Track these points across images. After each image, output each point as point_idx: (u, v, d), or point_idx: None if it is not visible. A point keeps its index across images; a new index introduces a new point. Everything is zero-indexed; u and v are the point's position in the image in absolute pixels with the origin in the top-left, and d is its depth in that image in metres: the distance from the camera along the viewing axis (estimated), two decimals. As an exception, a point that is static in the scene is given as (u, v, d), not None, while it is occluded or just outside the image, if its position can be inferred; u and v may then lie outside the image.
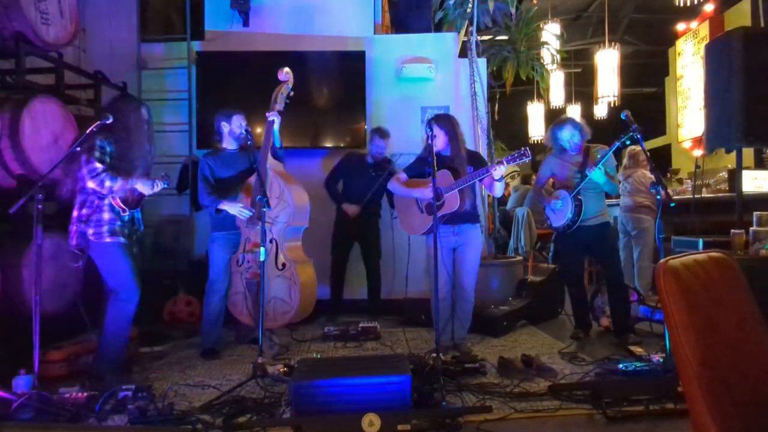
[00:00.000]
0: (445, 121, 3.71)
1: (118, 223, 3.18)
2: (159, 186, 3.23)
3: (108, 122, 3.07)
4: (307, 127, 5.31)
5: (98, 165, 3.07)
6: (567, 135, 4.02)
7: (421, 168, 3.66)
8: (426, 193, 3.57)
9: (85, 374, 3.23)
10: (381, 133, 4.82)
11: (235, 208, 3.69)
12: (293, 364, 3.22)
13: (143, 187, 3.21)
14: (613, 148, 3.74)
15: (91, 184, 3.08)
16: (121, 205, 3.18)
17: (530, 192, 7.70)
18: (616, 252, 4.12)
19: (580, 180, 3.87)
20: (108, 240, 3.12)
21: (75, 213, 3.16)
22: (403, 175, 3.80)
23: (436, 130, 3.62)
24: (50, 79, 4.10)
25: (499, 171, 3.39)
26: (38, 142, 3.53)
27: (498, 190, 3.63)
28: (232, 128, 3.86)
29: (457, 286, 3.77)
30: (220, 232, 3.88)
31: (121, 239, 3.17)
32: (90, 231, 3.11)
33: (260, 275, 3.27)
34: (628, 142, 3.66)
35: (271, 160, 3.86)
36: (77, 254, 3.17)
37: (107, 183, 3.07)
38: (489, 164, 3.52)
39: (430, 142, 3.33)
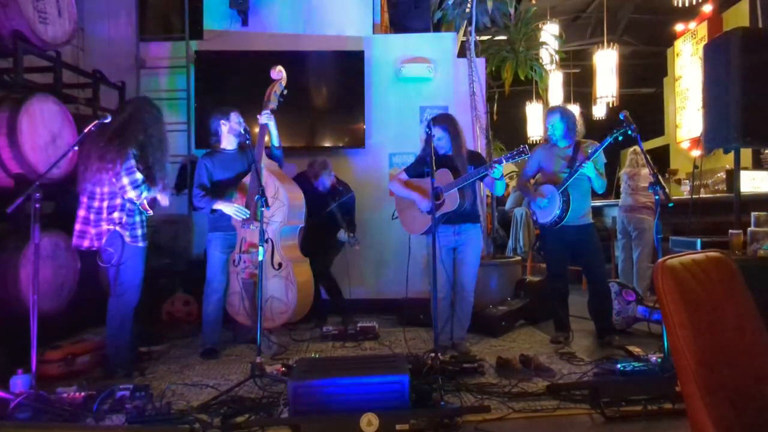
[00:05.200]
0: (445, 121, 3.71)
1: (145, 226, 3.36)
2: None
3: (107, 121, 3.09)
4: (306, 127, 5.31)
5: (138, 176, 3.21)
6: (550, 122, 3.97)
7: (421, 168, 3.64)
8: (424, 199, 3.59)
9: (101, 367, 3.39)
10: (320, 166, 4.58)
11: (231, 209, 3.68)
12: (291, 364, 3.22)
13: (163, 199, 3.41)
14: (606, 143, 3.69)
15: (131, 194, 3.21)
16: (147, 207, 3.34)
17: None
18: (600, 253, 4.04)
19: (570, 174, 3.79)
20: (141, 245, 3.31)
21: (104, 215, 3.24)
22: (404, 175, 3.81)
23: (437, 131, 3.63)
24: (48, 78, 4.09)
25: (498, 169, 3.39)
26: (36, 141, 3.53)
27: (499, 188, 3.64)
28: (231, 125, 3.85)
29: (457, 286, 3.77)
30: (216, 232, 3.87)
31: (146, 243, 3.36)
32: (126, 234, 3.24)
33: (259, 275, 3.27)
34: (620, 138, 3.61)
35: (265, 160, 3.85)
36: (110, 252, 3.25)
37: (144, 193, 3.24)
38: (488, 163, 3.52)
39: (429, 141, 3.34)
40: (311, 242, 4.52)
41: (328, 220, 4.60)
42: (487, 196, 5.81)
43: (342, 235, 4.61)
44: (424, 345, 3.98)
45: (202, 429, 2.47)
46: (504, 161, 3.37)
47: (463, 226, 3.70)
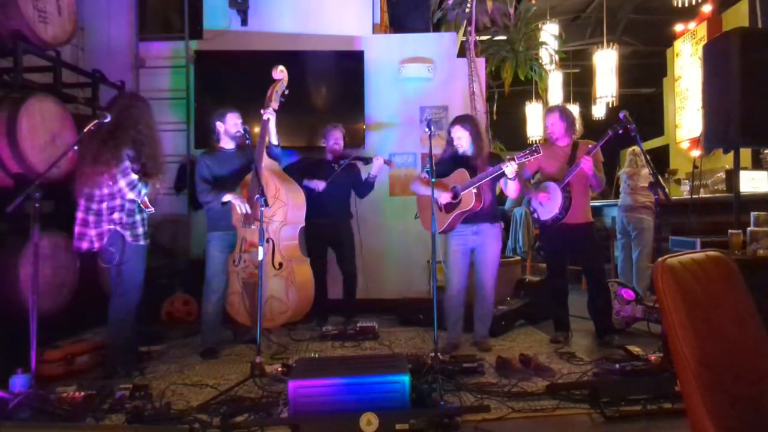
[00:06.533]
0: (467, 120, 3.76)
1: (146, 224, 3.34)
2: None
3: (106, 120, 3.08)
4: (306, 127, 5.30)
5: (134, 176, 3.21)
6: (550, 121, 4.01)
7: (442, 168, 3.71)
8: (442, 194, 3.62)
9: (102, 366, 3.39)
10: (333, 126, 4.71)
11: (238, 200, 3.69)
12: (291, 364, 3.21)
13: (159, 187, 3.40)
14: (606, 138, 3.74)
15: (130, 195, 3.21)
16: (148, 204, 3.32)
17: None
18: (599, 252, 4.05)
19: (572, 170, 3.80)
20: (142, 243, 3.30)
21: (104, 216, 3.22)
22: (425, 176, 3.85)
23: (461, 131, 3.68)
24: (48, 77, 4.09)
25: (511, 167, 3.39)
26: (36, 141, 3.53)
27: (512, 189, 3.63)
28: (227, 127, 3.86)
29: (477, 286, 3.82)
30: (216, 232, 3.87)
31: (147, 241, 3.35)
32: (128, 233, 3.24)
33: (259, 275, 3.27)
34: (620, 131, 3.64)
35: (266, 160, 3.85)
36: (112, 252, 3.24)
37: (143, 191, 3.24)
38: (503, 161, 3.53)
39: (430, 141, 3.40)
40: (330, 237, 4.55)
41: (341, 196, 4.60)
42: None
43: (376, 160, 4.54)
44: (424, 345, 3.98)
45: (202, 429, 2.47)
46: (517, 160, 3.38)
47: (481, 226, 3.71)
